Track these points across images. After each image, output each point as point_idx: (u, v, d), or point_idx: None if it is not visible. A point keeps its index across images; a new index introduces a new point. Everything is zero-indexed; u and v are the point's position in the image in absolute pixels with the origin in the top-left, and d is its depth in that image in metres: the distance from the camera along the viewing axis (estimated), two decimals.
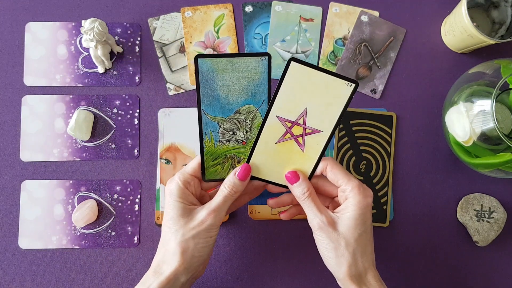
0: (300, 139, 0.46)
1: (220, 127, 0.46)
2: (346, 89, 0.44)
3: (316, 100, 0.44)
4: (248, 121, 0.46)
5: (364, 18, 0.61)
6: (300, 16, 0.61)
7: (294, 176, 0.46)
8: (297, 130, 0.45)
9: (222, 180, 0.47)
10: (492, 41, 0.53)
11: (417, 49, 0.61)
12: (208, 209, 0.45)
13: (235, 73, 0.44)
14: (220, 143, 0.47)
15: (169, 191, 0.46)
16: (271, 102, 0.44)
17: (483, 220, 0.57)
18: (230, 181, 0.46)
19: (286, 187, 0.47)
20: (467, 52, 0.60)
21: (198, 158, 0.47)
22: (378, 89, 0.60)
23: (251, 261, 0.57)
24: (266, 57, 0.44)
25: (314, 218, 0.44)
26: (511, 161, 0.48)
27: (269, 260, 0.57)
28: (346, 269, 0.43)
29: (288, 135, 0.46)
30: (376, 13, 0.61)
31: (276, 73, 0.60)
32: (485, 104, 0.48)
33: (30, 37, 0.60)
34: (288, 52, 0.60)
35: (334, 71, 0.60)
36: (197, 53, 0.44)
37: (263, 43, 0.61)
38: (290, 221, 0.57)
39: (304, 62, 0.43)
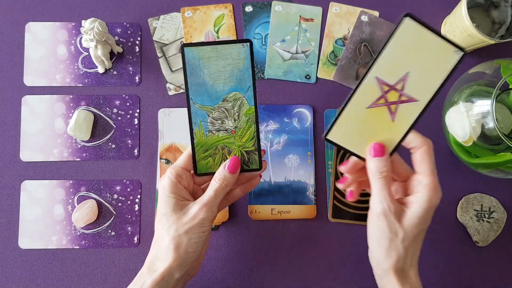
0: (393, 107, 0.42)
1: (208, 116, 0.46)
2: (453, 56, 0.41)
3: (420, 64, 0.41)
4: (235, 109, 0.46)
5: (364, 18, 0.61)
6: (300, 16, 0.61)
7: (380, 150, 0.42)
8: (392, 96, 0.42)
9: (214, 173, 0.47)
10: (492, 41, 0.53)
11: None
12: (200, 203, 0.44)
13: (220, 61, 0.45)
14: (210, 133, 0.47)
15: (162, 187, 0.46)
16: (373, 60, 0.42)
17: (483, 220, 0.57)
18: (221, 174, 0.45)
19: (362, 159, 0.44)
20: (467, 52, 0.60)
21: (188, 151, 0.47)
22: None
23: (251, 261, 0.57)
24: (248, 43, 0.44)
25: (382, 202, 0.41)
26: (511, 161, 0.48)
27: (269, 260, 0.57)
28: (394, 262, 0.42)
29: (382, 100, 0.42)
30: (376, 13, 0.61)
31: (275, 74, 0.60)
32: (485, 104, 0.48)
33: (30, 37, 0.60)
34: (288, 52, 0.60)
35: (334, 71, 0.60)
36: (184, 43, 0.44)
37: (263, 43, 0.61)
38: (290, 221, 0.57)
39: (420, 20, 0.40)
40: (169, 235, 0.44)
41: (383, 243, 0.42)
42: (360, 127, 0.43)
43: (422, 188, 0.41)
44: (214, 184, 0.45)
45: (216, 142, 0.47)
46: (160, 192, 0.46)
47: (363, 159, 0.44)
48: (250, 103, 0.46)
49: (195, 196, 0.48)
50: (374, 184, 0.42)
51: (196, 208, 0.44)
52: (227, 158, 0.47)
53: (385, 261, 0.42)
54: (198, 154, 0.47)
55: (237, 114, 0.46)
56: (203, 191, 0.49)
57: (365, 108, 0.42)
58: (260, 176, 0.51)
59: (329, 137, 0.44)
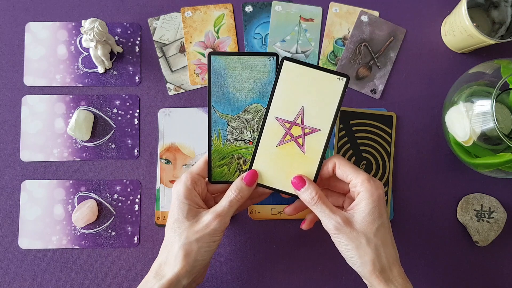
0: (300, 140, 0.46)
1: (228, 125, 0.47)
2: (339, 84, 0.44)
3: (311, 97, 0.45)
4: (255, 120, 0.47)
5: (364, 18, 0.61)
6: (300, 16, 0.61)
7: (300, 181, 0.45)
8: (296, 131, 0.45)
9: (228, 182, 0.47)
10: (492, 41, 0.53)
11: (417, 49, 0.61)
12: (213, 213, 0.44)
13: (245, 71, 0.46)
14: (228, 142, 0.47)
15: (176, 192, 0.45)
16: (268, 103, 0.45)
17: (483, 220, 0.57)
18: (237, 186, 0.45)
19: (292, 195, 0.47)
20: (467, 52, 0.60)
21: (205, 158, 0.47)
22: (378, 89, 0.60)
23: (251, 261, 0.57)
24: (274, 57, 0.46)
25: (329, 220, 0.43)
26: (511, 161, 0.48)
27: (269, 260, 0.57)
28: (371, 267, 0.42)
29: (288, 136, 0.46)
30: (376, 13, 0.61)
31: None
32: (485, 104, 0.48)
33: (30, 37, 0.60)
34: (288, 52, 0.60)
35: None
36: (211, 51, 0.45)
37: (263, 43, 0.61)
38: (290, 221, 0.57)
39: (296, 60, 0.44)
40: (180, 241, 0.44)
41: (353, 254, 0.43)
42: (277, 166, 0.46)
43: (359, 188, 0.43)
44: (230, 195, 0.45)
45: (233, 152, 0.47)
46: (174, 197, 0.46)
47: (291, 195, 0.47)
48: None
49: (206, 203, 0.48)
50: (315, 210, 0.45)
51: (209, 217, 0.44)
52: (242, 168, 0.48)
53: (364, 270, 0.43)
54: (214, 161, 0.47)
55: (256, 125, 0.47)
56: (215, 200, 0.49)
57: (275, 146, 0.46)
58: None
59: None
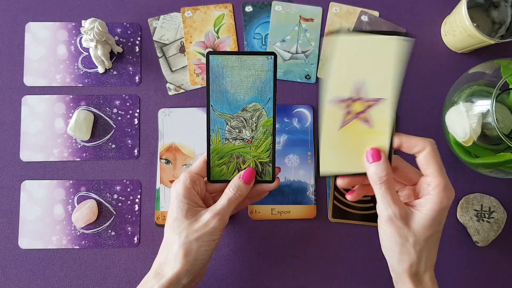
0: (364, 115, 0.42)
1: (227, 124, 0.47)
2: (397, 45, 0.40)
3: (369, 67, 0.41)
4: (254, 119, 0.47)
5: (364, 18, 0.61)
6: (300, 16, 0.61)
7: (376, 154, 0.41)
8: (357, 107, 0.42)
9: (227, 181, 0.47)
10: (492, 41, 0.53)
11: (417, 49, 0.61)
12: (212, 211, 0.44)
13: (243, 71, 0.46)
14: (227, 141, 0.47)
15: (175, 191, 0.45)
16: (323, 86, 0.42)
17: (483, 220, 0.57)
18: (235, 184, 0.46)
19: (361, 174, 0.43)
20: (467, 52, 0.60)
21: (203, 157, 0.47)
22: None
23: (251, 261, 0.57)
24: (272, 56, 0.45)
25: (387, 208, 0.40)
26: (511, 161, 0.48)
27: (269, 260, 0.57)
28: (407, 267, 0.41)
29: (350, 115, 0.42)
30: (376, 13, 0.61)
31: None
32: (485, 104, 0.48)
33: (30, 37, 0.60)
34: (288, 52, 0.60)
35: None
36: (210, 50, 0.45)
37: (263, 43, 0.61)
38: (290, 221, 0.57)
39: (350, 32, 0.40)
40: (179, 240, 0.43)
41: (394, 248, 0.41)
42: (345, 149, 0.43)
43: (432, 190, 0.40)
44: (228, 193, 0.45)
45: (232, 151, 0.47)
46: (173, 196, 0.46)
47: (359, 174, 0.43)
48: (269, 115, 0.47)
49: (205, 203, 0.48)
50: (377, 191, 0.41)
51: (208, 216, 0.44)
52: (241, 167, 0.48)
53: (398, 266, 0.41)
54: (213, 161, 0.47)
55: (255, 124, 0.47)
56: (213, 199, 0.49)
57: (338, 130, 0.42)
58: (278, 183, 0.49)
59: (322, 173, 0.43)
